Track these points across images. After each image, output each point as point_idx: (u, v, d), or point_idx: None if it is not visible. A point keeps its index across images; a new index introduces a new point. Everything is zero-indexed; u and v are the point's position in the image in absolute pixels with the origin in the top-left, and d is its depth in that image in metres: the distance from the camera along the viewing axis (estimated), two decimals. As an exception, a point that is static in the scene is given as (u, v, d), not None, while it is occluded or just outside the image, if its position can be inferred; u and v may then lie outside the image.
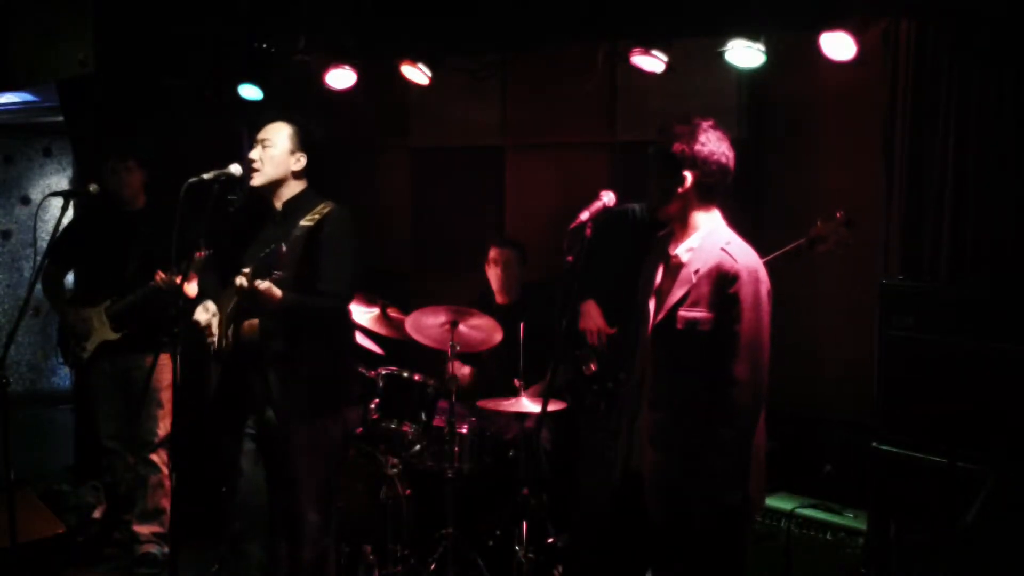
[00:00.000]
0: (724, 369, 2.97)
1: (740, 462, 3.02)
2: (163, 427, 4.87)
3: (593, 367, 4.18)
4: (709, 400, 2.99)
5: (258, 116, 3.87)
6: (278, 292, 3.43)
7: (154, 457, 4.89)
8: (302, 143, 3.70)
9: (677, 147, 3.04)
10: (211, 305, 3.69)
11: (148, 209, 4.93)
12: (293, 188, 3.71)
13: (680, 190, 3.06)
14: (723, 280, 2.99)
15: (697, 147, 3.04)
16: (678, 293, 3.06)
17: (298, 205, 3.67)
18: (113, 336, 4.81)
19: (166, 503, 4.90)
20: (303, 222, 3.56)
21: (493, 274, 5.00)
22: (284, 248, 3.40)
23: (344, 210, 3.67)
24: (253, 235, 3.74)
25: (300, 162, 3.70)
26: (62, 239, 4.81)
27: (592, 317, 4.13)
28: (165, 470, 4.89)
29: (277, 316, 3.57)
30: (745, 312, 2.97)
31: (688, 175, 3.05)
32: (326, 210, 3.60)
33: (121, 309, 4.78)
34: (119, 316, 4.79)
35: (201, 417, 4.94)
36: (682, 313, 3.04)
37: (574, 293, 3.38)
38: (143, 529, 4.90)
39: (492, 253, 5.00)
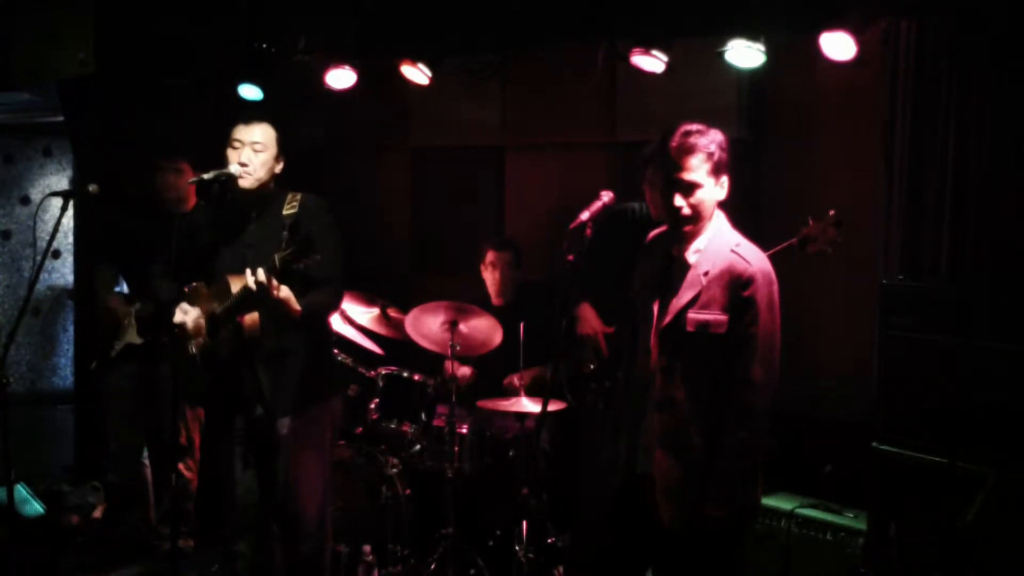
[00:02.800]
0: (740, 371, 2.97)
1: (754, 463, 3.03)
2: (184, 433, 4.88)
3: (592, 367, 4.18)
4: (721, 402, 2.99)
5: (240, 113, 3.82)
6: (297, 307, 3.42)
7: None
8: (285, 148, 3.71)
9: (721, 154, 3.04)
10: (187, 307, 3.65)
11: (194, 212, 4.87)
12: (269, 188, 3.71)
13: (726, 197, 3.08)
14: (737, 283, 2.99)
15: (726, 151, 3.06)
16: (687, 295, 3.05)
17: (273, 200, 3.67)
18: (138, 340, 4.80)
19: (190, 506, 4.92)
20: (285, 211, 3.56)
21: (489, 276, 4.99)
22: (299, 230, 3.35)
23: (318, 196, 3.69)
24: (229, 234, 3.73)
25: (282, 166, 3.71)
26: (111, 237, 4.76)
27: (589, 321, 4.14)
28: (188, 474, 4.89)
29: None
30: (762, 314, 2.98)
31: (726, 180, 3.07)
32: (299, 197, 3.62)
33: (146, 314, 4.76)
34: (144, 321, 4.78)
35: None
36: (692, 315, 3.03)
37: (574, 293, 3.38)
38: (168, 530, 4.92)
39: (488, 255, 4.98)
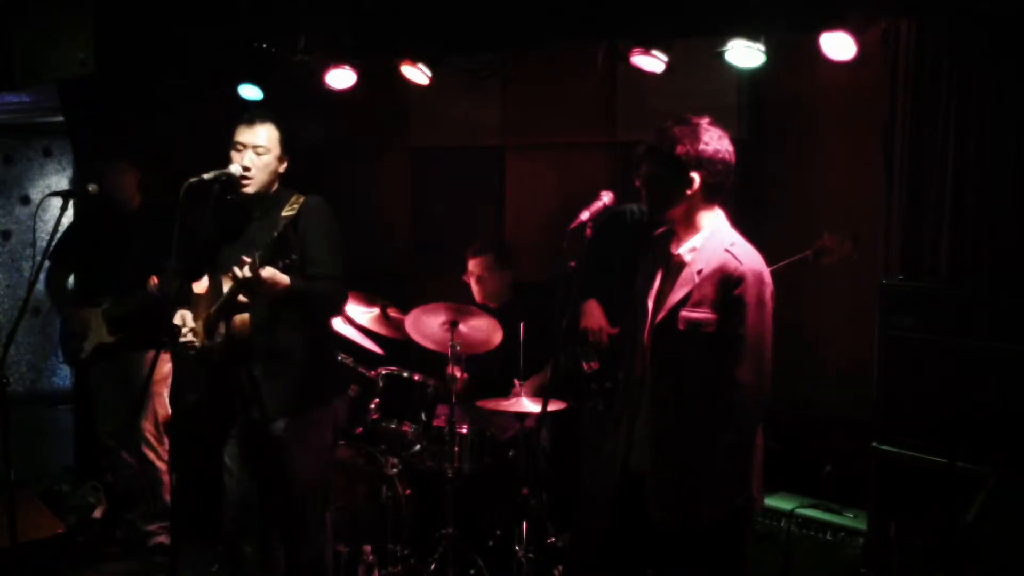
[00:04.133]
0: (728, 372, 2.96)
1: (745, 464, 3.02)
2: (159, 418, 4.89)
3: (594, 365, 4.18)
4: (712, 402, 2.99)
5: (243, 114, 3.81)
6: (285, 279, 3.42)
7: (147, 452, 4.90)
8: (288, 147, 3.70)
9: (680, 149, 3.00)
10: (187, 314, 3.66)
11: (144, 210, 4.93)
12: (273, 188, 3.71)
13: (688, 192, 3.05)
14: (727, 282, 2.98)
15: (701, 147, 3.01)
16: (679, 293, 3.04)
17: (275, 200, 3.67)
18: (109, 339, 4.81)
19: (168, 496, 4.91)
20: (284, 212, 3.57)
21: (474, 286, 4.93)
22: (283, 231, 3.39)
23: (319, 198, 3.70)
24: (230, 234, 3.72)
25: (285, 166, 3.70)
26: (64, 240, 4.80)
27: (594, 316, 4.13)
28: (161, 465, 4.89)
29: (270, 308, 3.55)
30: (750, 315, 2.96)
31: (695, 176, 3.02)
32: (302, 199, 3.62)
33: (118, 313, 4.77)
34: (116, 320, 4.79)
35: (197, 417, 4.94)
36: (684, 314, 3.02)
37: (574, 294, 3.38)
38: (152, 526, 4.92)
39: (469, 265, 4.93)
